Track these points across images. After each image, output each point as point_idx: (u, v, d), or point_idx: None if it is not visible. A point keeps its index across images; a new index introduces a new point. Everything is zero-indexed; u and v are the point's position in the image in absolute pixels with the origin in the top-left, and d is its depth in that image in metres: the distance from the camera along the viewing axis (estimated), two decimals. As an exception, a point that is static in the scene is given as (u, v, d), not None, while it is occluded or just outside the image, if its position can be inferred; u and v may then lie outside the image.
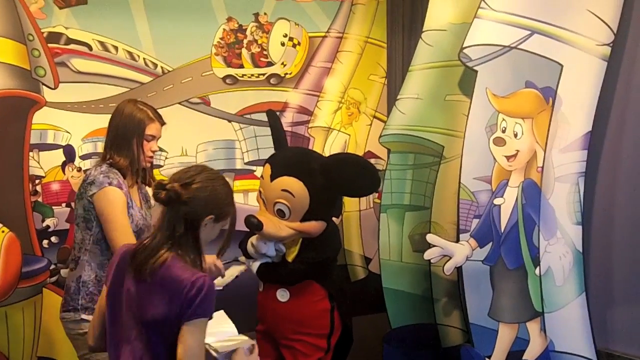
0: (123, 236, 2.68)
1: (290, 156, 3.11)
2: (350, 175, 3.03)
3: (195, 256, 2.12)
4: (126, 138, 2.82)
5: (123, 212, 2.75)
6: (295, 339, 3.15)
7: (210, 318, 2.02)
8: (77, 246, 2.81)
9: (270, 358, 3.29)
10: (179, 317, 1.96)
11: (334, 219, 5.29)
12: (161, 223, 2.12)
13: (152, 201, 3.01)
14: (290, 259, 3.10)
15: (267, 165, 3.11)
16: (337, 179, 3.02)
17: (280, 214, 3.01)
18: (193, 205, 2.09)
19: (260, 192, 3.13)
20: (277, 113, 5.01)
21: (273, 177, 3.01)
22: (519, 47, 3.49)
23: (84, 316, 2.73)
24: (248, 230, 3.00)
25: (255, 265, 3.06)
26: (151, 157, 2.93)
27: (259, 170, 4.51)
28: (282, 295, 3.12)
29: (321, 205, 3.06)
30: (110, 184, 2.74)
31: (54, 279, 4.11)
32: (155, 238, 2.11)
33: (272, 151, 4.99)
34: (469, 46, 3.52)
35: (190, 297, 1.95)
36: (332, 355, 3.30)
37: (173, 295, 1.97)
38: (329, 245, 3.22)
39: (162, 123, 2.92)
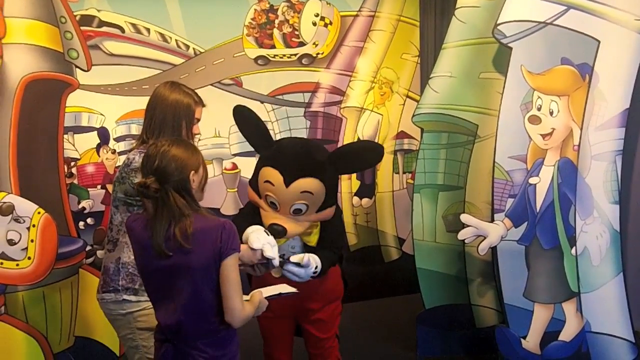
0: None
1: (295, 155, 2.97)
2: (358, 161, 3.07)
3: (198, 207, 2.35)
4: (175, 122, 2.79)
5: None
6: (320, 310, 3.13)
7: (239, 251, 2.32)
8: (116, 228, 2.81)
9: (286, 341, 3.26)
10: (218, 257, 2.25)
11: (366, 199, 5.30)
12: (158, 209, 2.28)
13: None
14: (314, 242, 3.07)
15: (273, 170, 2.93)
16: (345, 168, 3.06)
17: (298, 212, 2.97)
18: (174, 179, 2.27)
19: (266, 196, 3.03)
20: (309, 94, 5.04)
21: (288, 183, 2.91)
22: (554, 22, 3.43)
23: (125, 297, 2.72)
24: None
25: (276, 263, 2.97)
26: (194, 139, 2.93)
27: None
28: None
29: (333, 192, 3.05)
30: None
31: (90, 260, 4.16)
32: (162, 224, 2.27)
33: (304, 133, 5.03)
34: (503, 22, 3.47)
35: (225, 237, 2.25)
36: None
37: (210, 241, 2.25)
38: (341, 220, 3.24)
39: (204, 105, 2.92)
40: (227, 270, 2.25)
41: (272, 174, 2.94)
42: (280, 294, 2.62)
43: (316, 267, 2.86)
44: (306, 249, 3.02)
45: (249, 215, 3.02)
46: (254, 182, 3.04)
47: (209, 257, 2.24)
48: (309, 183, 2.91)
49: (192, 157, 2.34)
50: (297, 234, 2.98)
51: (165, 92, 2.81)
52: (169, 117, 2.78)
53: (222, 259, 2.25)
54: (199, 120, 2.88)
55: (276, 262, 2.67)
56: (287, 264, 2.81)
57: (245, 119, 3.08)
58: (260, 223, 2.89)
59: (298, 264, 2.80)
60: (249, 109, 3.08)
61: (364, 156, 3.05)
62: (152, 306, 2.53)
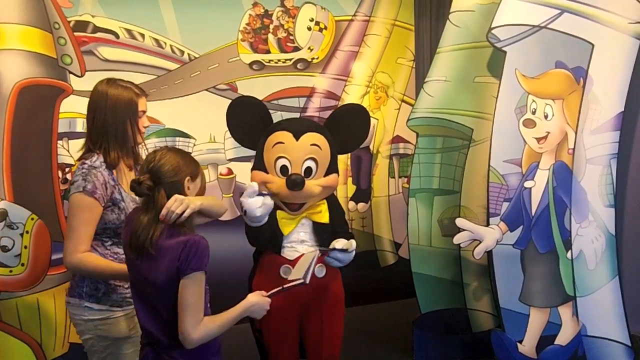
0: (73, 247, 2.60)
1: (298, 120, 3.29)
2: (349, 121, 3.21)
3: (187, 220, 2.30)
4: (119, 120, 2.65)
5: (86, 221, 2.61)
6: (326, 309, 3.12)
7: (205, 272, 2.23)
8: None
9: (293, 344, 3.23)
10: (178, 275, 2.20)
11: (361, 204, 5.30)
12: (146, 205, 2.29)
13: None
14: (326, 219, 3.11)
15: (281, 132, 3.05)
16: (340, 128, 3.17)
17: (308, 172, 3.02)
18: (168, 181, 2.27)
19: (277, 160, 3.03)
20: (305, 98, 5.05)
21: (298, 136, 3.03)
22: (548, 26, 3.43)
23: (87, 304, 2.67)
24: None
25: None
26: (143, 133, 2.82)
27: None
28: (320, 270, 3.08)
29: (335, 158, 3.16)
30: (84, 188, 2.59)
31: (84, 266, 4.14)
32: (145, 220, 2.27)
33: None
34: (497, 26, 3.46)
35: (185, 255, 2.18)
36: None
37: (171, 258, 2.20)
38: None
39: (147, 95, 2.81)
40: (182, 288, 2.20)
41: (281, 135, 3.07)
42: (283, 288, 2.60)
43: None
44: (317, 228, 3.11)
45: None
46: (258, 162, 3.12)
47: (167, 275, 2.21)
48: (317, 137, 3.07)
49: (189, 165, 2.35)
50: (313, 193, 3.04)
51: (102, 90, 2.68)
52: (109, 117, 2.65)
53: (180, 277, 2.20)
54: (144, 112, 2.75)
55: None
56: (333, 251, 2.93)
57: (244, 105, 3.17)
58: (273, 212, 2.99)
59: (344, 250, 2.94)
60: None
61: (354, 113, 3.24)
62: (114, 316, 2.61)
